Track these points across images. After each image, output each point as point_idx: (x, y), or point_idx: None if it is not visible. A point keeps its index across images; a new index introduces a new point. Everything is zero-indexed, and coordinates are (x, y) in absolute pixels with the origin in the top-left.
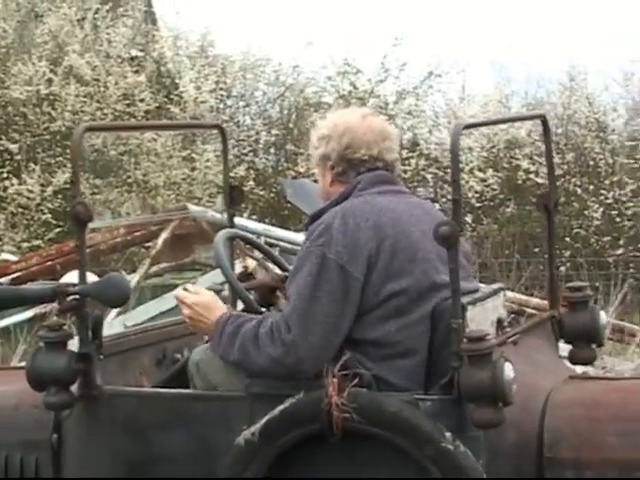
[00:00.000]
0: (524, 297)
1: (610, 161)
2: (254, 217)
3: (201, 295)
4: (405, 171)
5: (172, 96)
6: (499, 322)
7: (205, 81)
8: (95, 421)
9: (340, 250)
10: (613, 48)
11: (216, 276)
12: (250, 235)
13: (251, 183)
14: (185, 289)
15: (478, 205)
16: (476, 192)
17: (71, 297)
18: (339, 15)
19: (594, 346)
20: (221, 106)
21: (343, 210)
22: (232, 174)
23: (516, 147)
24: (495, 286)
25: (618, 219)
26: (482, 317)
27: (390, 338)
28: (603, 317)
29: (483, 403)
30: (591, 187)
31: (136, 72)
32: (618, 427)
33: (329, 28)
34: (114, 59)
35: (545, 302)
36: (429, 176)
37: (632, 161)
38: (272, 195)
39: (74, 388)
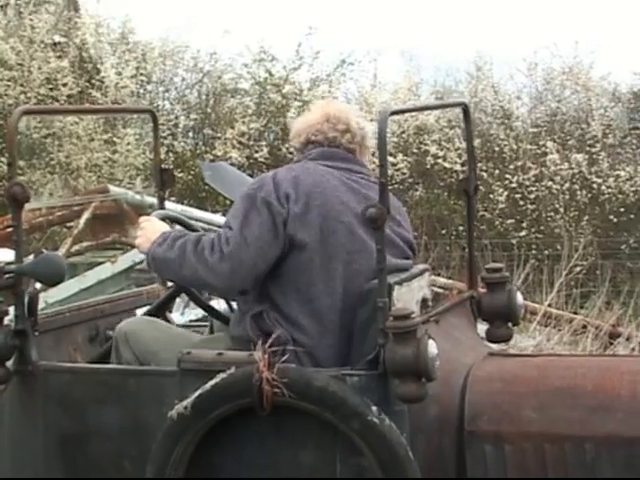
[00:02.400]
0: (432, 277)
1: (514, 147)
2: (173, 198)
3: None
4: None
5: (94, 81)
6: (424, 301)
7: (126, 67)
8: (30, 396)
9: (269, 190)
10: (517, 39)
11: (137, 254)
12: (180, 215)
13: (170, 166)
14: None
15: (388, 188)
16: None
17: (7, 275)
18: (255, 4)
19: (510, 325)
20: (141, 91)
21: (282, 168)
22: (151, 156)
23: (425, 133)
24: (421, 267)
25: (521, 202)
26: (409, 296)
27: (311, 301)
28: (519, 297)
29: (407, 378)
30: (496, 172)
31: (59, 57)
32: (536, 401)
33: (245, 17)
34: (37, 44)
35: (451, 281)
36: None
37: (535, 147)
38: (190, 177)
39: (10, 363)
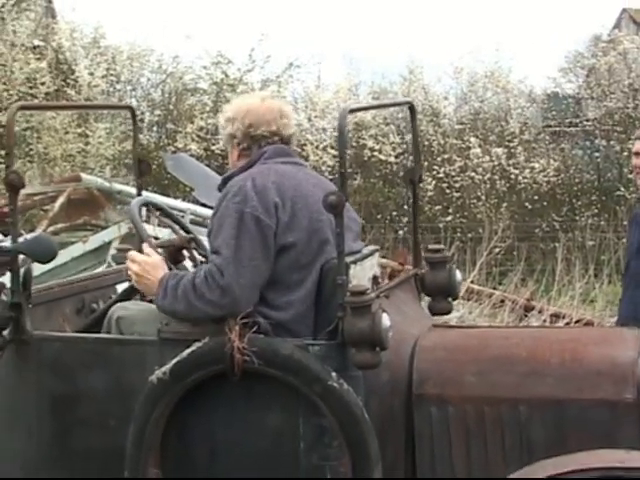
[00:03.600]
0: None
1: (442, 142)
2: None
3: (151, 256)
4: None
5: (69, 80)
6: (374, 278)
7: (97, 68)
8: (24, 362)
9: (254, 204)
10: (445, 46)
11: (107, 235)
12: (159, 202)
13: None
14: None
15: (330, 178)
16: (329, 166)
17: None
18: (213, 13)
19: (450, 299)
20: (111, 90)
21: (252, 174)
22: (119, 148)
23: (363, 129)
24: (372, 248)
25: (448, 191)
26: (362, 274)
27: (289, 289)
28: (458, 275)
29: (363, 348)
30: (425, 163)
31: (38, 59)
32: (476, 368)
33: (205, 24)
34: (19, 47)
35: (385, 260)
36: None
37: (460, 142)
38: (154, 167)
39: (6, 333)
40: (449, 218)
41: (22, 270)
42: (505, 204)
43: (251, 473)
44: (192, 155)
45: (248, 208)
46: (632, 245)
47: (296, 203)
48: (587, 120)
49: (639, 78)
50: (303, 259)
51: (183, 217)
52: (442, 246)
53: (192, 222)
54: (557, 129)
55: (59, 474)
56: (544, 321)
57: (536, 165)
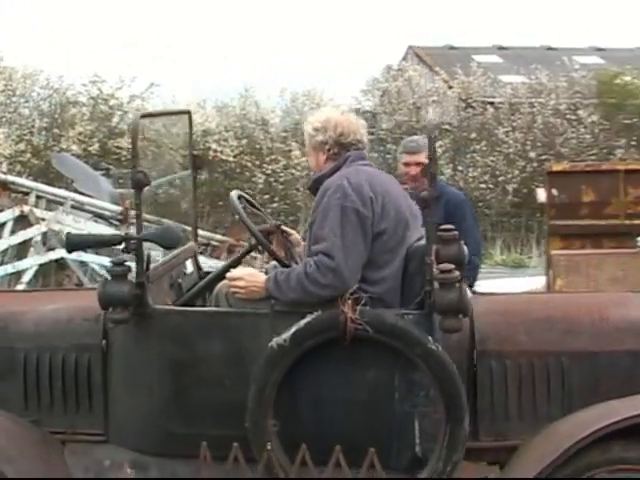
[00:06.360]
0: (209, 234)
1: (270, 145)
2: (30, 177)
3: (244, 270)
4: None
5: None
6: None
7: None
8: (147, 332)
9: (353, 199)
10: (273, 69)
11: (2, 217)
12: (248, 196)
13: (28, 155)
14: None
15: None
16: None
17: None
18: (89, 41)
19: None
20: (8, 102)
21: (345, 174)
22: (15, 149)
23: (208, 135)
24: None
25: (274, 184)
26: None
27: (381, 267)
28: (466, 249)
29: (450, 315)
30: (257, 162)
31: None
32: (525, 328)
33: (84, 49)
34: None
35: (224, 237)
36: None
37: (284, 145)
38: (43, 163)
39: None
40: (275, 205)
41: (145, 255)
42: None
43: (354, 420)
44: (73, 154)
45: (348, 202)
46: None
47: (384, 197)
48: (381, 130)
49: (421, 99)
50: (392, 242)
51: (65, 203)
52: (452, 227)
53: (72, 207)
54: None
55: (176, 426)
56: None
57: None
